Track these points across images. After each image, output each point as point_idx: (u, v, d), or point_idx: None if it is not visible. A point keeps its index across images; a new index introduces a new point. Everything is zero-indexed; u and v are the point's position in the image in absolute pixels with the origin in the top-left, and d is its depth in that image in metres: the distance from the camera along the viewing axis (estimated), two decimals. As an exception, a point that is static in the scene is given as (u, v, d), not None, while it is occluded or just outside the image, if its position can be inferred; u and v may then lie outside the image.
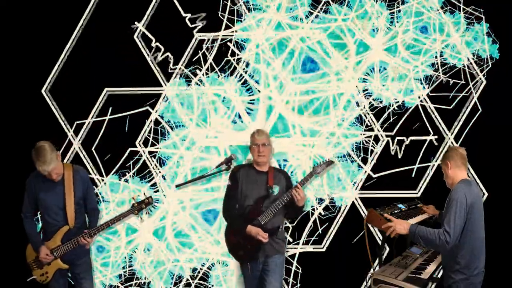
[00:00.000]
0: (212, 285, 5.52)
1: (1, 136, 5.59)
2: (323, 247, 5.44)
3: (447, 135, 5.32)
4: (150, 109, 5.50)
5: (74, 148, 5.54)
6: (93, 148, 5.53)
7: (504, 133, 5.25)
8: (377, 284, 3.99)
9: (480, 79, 5.28)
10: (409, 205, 4.76)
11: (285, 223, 5.16)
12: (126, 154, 5.51)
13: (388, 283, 3.94)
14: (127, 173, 5.50)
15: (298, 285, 5.46)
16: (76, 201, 4.25)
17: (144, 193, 4.45)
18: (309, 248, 5.44)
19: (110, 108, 5.53)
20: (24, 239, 4.33)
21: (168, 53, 5.48)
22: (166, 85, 5.51)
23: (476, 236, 3.78)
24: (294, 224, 5.41)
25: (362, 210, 5.39)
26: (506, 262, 5.15)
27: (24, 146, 4.25)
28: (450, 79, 5.30)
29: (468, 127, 5.28)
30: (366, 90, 5.39)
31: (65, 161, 5.44)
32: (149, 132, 5.51)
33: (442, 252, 3.99)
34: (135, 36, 5.51)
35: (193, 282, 5.50)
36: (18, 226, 4.38)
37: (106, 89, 5.53)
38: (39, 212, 4.36)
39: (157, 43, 5.47)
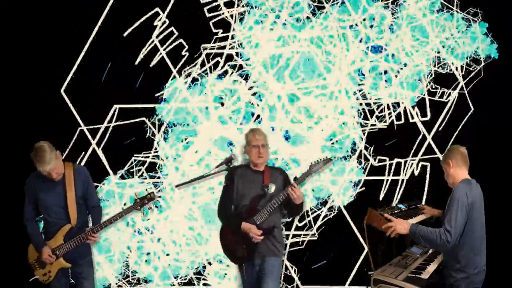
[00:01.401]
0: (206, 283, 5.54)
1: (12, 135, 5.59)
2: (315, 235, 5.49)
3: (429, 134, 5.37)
4: (146, 120, 5.51)
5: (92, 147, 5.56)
6: (101, 148, 5.55)
7: (494, 132, 5.28)
8: (377, 284, 3.99)
9: (459, 81, 5.32)
10: (409, 205, 4.78)
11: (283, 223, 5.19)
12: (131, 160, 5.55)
13: (388, 283, 3.95)
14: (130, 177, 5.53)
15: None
16: (78, 200, 4.25)
17: (146, 189, 4.44)
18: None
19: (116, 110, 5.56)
20: (25, 239, 4.33)
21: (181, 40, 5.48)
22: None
23: (476, 236, 3.81)
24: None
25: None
26: (507, 261, 5.16)
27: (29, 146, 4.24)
28: (442, 89, 5.35)
29: (460, 126, 5.34)
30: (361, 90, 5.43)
31: (80, 160, 5.51)
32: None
33: (442, 251, 3.99)
34: (153, 35, 5.51)
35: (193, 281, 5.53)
36: (19, 226, 4.37)
37: (115, 105, 5.56)
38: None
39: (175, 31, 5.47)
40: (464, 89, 5.34)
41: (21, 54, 5.54)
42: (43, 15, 5.52)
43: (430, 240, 3.74)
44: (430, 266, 4.26)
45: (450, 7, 5.33)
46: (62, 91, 5.56)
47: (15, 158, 5.41)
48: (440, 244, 3.72)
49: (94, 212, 4.39)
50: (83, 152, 5.55)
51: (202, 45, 5.50)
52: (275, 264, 4.28)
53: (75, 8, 5.51)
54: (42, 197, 4.21)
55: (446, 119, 5.38)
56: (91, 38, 5.54)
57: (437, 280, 4.05)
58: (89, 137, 5.55)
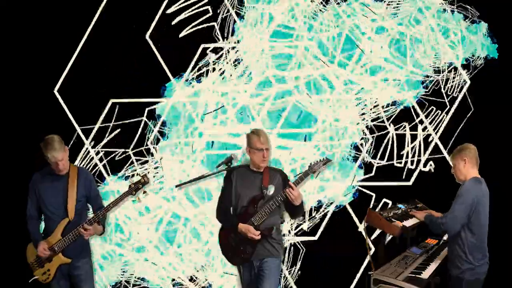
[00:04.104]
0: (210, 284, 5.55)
1: (9, 134, 5.58)
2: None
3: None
4: (146, 120, 5.50)
5: (87, 148, 5.56)
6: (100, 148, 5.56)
7: (495, 131, 5.28)
8: (377, 284, 4.00)
9: (464, 80, 5.33)
10: (409, 205, 4.79)
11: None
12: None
13: (388, 283, 3.95)
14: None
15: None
16: (78, 198, 4.26)
17: (138, 174, 4.41)
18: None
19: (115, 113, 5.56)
20: (24, 240, 4.32)
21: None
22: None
23: (482, 230, 4.06)
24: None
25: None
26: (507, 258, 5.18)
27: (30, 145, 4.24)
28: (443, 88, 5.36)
29: (461, 125, 5.33)
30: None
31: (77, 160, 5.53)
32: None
33: (450, 243, 4.15)
34: (146, 36, 5.52)
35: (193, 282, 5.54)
36: (17, 227, 4.36)
37: (111, 100, 5.55)
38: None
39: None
40: (463, 88, 5.35)
41: (15, 53, 5.54)
42: (36, 13, 5.53)
43: (434, 223, 4.16)
44: (430, 266, 4.27)
45: (450, 6, 5.34)
46: (55, 91, 5.57)
47: (16, 158, 5.43)
48: (438, 225, 4.10)
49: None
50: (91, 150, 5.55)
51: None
52: (274, 265, 4.24)
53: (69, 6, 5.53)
54: (44, 195, 4.23)
55: (447, 119, 5.38)
56: (85, 37, 5.56)
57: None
58: (83, 138, 5.56)
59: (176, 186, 4.67)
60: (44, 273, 4.26)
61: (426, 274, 4.10)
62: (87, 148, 5.52)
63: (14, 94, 5.56)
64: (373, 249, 4.33)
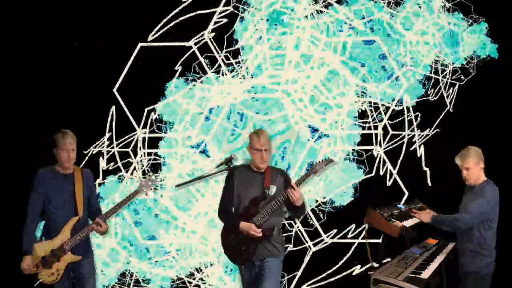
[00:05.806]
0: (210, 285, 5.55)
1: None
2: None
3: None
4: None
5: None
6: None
7: (495, 131, 5.29)
8: (377, 284, 3.99)
9: (464, 80, 5.34)
10: (409, 205, 4.79)
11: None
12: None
13: (388, 283, 3.95)
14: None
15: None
16: (84, 196, 4.28)
17: (147, 173, 4.52)
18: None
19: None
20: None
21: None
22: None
23: (495, 228, 4.35)
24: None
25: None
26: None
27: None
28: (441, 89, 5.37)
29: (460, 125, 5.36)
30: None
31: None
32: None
33: (468, 241, 4.32)
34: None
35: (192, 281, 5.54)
36: (17, 231, 4.32)
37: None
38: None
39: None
40: (463, 89, 5.36)
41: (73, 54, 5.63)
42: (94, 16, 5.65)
43: (446, 220, 4.35)
44: (430, 266, 4.27)
45: (451, 6, 5.35)
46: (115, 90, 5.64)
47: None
48: (452, 223, 4.30)
49: (97, 215, 4.35)
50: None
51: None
52: (275, 265, 4.22)
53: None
54: (50, 193, 4.20)
55: (445, 119, 5.39)
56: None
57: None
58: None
59: (176, 186, 4.65)
60: (52, 274, 4.18)
61: (426, 274, 4.10)
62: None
63: (12, 94, 5.57)
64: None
